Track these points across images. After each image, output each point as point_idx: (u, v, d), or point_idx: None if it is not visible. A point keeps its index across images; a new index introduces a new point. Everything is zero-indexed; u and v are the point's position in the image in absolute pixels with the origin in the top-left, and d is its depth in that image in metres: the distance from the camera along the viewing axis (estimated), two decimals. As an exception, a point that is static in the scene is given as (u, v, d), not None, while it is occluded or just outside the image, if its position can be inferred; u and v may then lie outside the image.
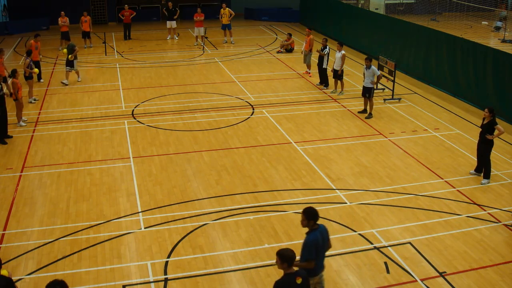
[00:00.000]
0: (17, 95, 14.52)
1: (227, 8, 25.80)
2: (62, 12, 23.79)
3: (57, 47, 24.33)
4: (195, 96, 17.87)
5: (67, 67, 19.20)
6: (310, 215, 6.97)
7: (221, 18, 25.86)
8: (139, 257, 9.11)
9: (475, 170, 12.17)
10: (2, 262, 8.80)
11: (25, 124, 15.13)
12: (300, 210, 10.72)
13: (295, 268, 6.30)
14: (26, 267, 8.78)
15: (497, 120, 11.79)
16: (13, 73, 14.72)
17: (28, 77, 17.01)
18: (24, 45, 24.88)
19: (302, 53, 20.93)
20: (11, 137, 14.21)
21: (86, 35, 24.44)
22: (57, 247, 9.39)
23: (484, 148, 11.75)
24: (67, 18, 23.60)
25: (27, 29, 25.72)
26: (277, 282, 6.25)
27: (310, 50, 19.92)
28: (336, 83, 18.09)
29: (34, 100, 17.30)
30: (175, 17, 26.46)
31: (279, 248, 9.44)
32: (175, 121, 15.50)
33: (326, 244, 7.18)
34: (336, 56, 17.67)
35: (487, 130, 11.59)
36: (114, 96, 17.77)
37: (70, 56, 18.98)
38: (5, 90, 14.82)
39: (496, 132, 11.52)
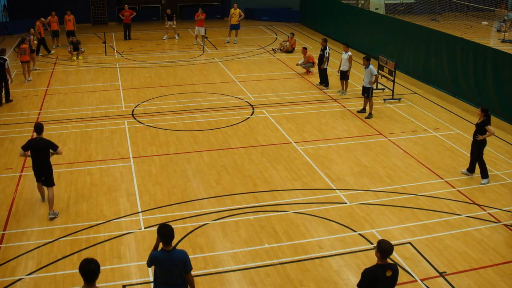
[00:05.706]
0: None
1: (238, 9, 25.66)
2: (53, 12, 24.06)
3: (52, 47, 24.51)
4: (195, 96, 17.87)
5: (75, 51, 22.60)
6: (159, 234, 6.31)
7: (230, 18, 25.74)
8: (139, 257, 9.11)
9: (467, 170, 12.11)
10: (1, 262, 8.87)
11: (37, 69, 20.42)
12: (300, 210, 10.85)
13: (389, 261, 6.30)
14: (26, 267, 8.77)
15: (497, 120, 11.77)
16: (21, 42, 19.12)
17: (32, 51, 20.40)
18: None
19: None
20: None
21: (70, 34, 23.83)
22: (57, 247, 9.39)
23: (476, 147, 11.72)
24: (57, 18, 24.11)
25: (27, 29, 25.73)
26: (366, 269, 6.26)
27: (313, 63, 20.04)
28: (342, 84, 18.03)
29: (35, 69, 20.76)
30: (172, 14, 26.57)
31: (279, 248, 9.55)
32: (175, 121, 15.50)
33: (176, 269, 6.39)
34: (342, 57, 17.57)
35: (479, 130, 11.58)
36: (114, 96, 17.76)
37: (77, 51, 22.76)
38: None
39: (487, 133, 11.49)
